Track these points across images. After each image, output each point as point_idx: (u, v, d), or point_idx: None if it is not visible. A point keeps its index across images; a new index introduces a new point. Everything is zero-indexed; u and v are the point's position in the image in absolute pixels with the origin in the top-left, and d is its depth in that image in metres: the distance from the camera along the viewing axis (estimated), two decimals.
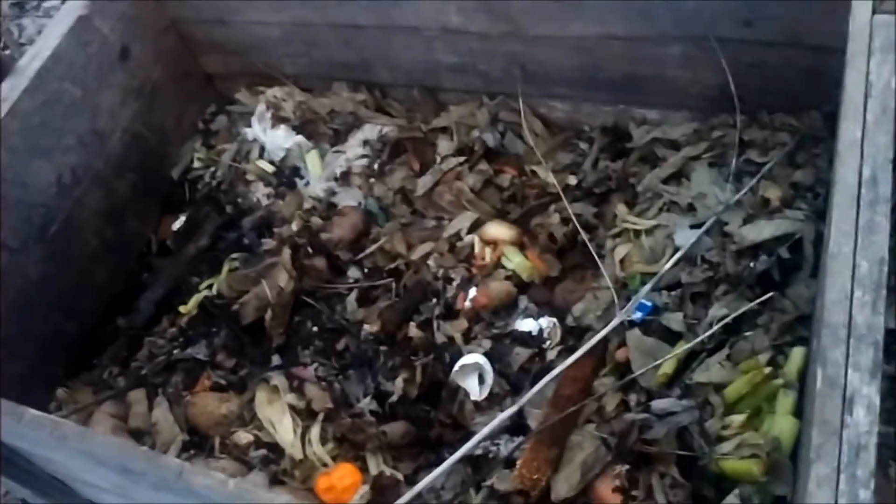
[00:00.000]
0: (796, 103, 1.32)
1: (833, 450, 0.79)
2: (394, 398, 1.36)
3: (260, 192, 1.67)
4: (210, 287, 1.53)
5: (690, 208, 1.37)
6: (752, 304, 1.19)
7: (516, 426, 1.28)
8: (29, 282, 1.47)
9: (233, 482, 0.91)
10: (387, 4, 1.49)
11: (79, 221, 1.57)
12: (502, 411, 1.24)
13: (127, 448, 1.01)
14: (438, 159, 1.58)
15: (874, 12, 1.05)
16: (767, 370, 1.16)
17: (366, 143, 1.62)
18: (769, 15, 1.23)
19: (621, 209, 1.43)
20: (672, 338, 1.27)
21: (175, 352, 1.48)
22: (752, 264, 1.23)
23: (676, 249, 1.32)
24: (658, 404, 1.21)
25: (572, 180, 1.50)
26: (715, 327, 1.20)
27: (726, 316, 1.22)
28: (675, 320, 1.27)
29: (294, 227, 1.55)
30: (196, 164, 1.75)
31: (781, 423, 1.13)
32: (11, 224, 1.43)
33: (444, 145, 1.58)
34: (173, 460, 0.99)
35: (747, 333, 1.22)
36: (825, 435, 0.80)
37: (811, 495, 0.77)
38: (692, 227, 1.33)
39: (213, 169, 1.73)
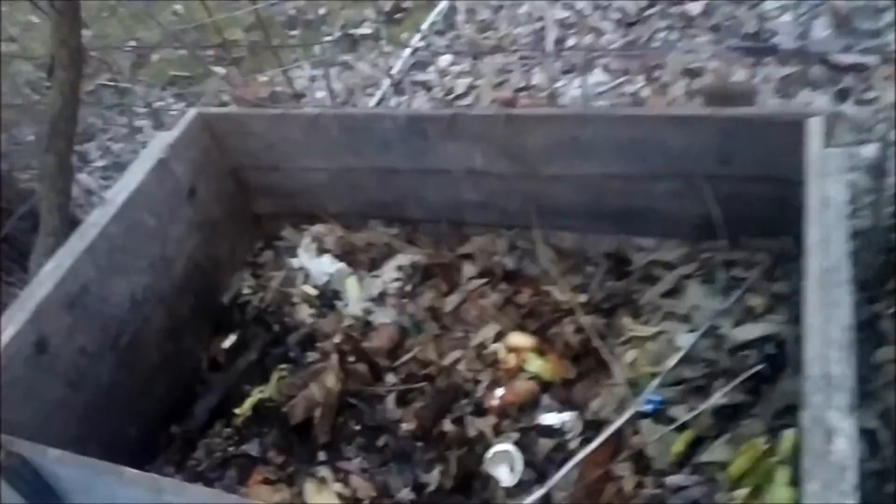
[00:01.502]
0: (771, 228, 1.57)
1: (821, 473, 0.97)
2: (431, 488, 1.51)
3: (304, 313, 1.87)
4: (262, 392, 1.70)
5: (687, 318, 1.59)
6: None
7: None
8: (101, 386, 1.64)
9: None
10: (421, 151, 1.77)
11: (145, 335, 1.76)
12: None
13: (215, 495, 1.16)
14: (464, 281, 1.81)
15: (825, 147, 1.33)
16: (765, 448, 1.34)
17: (399, 268, 1.86)
18: (743, 154, 1.51)
19: (627, 321, 1.65)
20: (679, 427, 1.45)
21: (230, 449, 1.63)
22: (747, 357, 1.45)
23: (678, 352, 1.53)
24: (672, 480, 1.38)
25: (582, 298, 1.72)
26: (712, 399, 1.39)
27: (726, 405, 1.42)
28: (679, 410, 1.46)
29: (337, 339, 1.74)
30: (245, 290, 1.96)
31: (780, 493, 1.30)
32: (91, 332, 1.62)
33: (469, 269, 1.82)
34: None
35: (745, 421, 1.42)
36: (814, 461, 0.98)
37: None
38: (690, 332, 1.56)
39: (260, 294, 1.94)
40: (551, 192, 1.74)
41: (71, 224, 1.76)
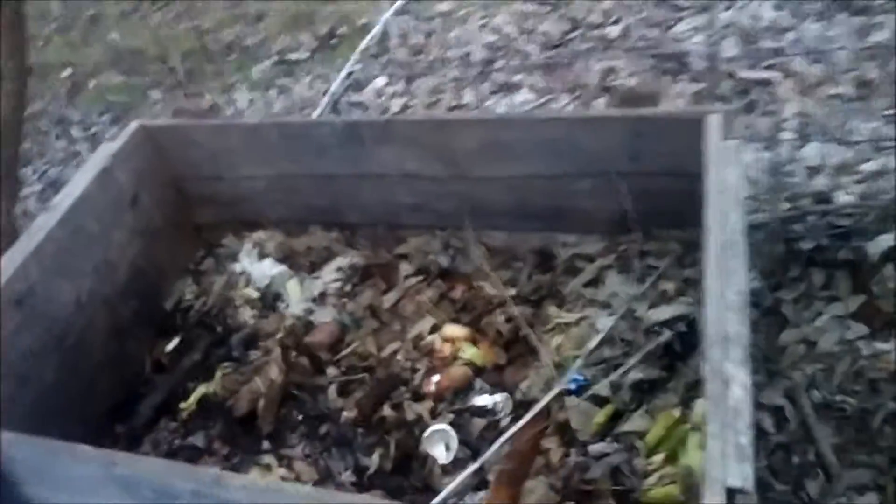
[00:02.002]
0: (681, 220, 1.71)
1: (720, 415, 1.09)
2: (371, 470, 1.59)
3: (246, 315, 1.94)
4: (207, 387, 1.76)
5: (607, 305, 1.72)
6: None
7: (479, 484, 1.53)
8: (46, 385, 1.68)
9: (265, 483, 1.14)
10: (358, 157, 1.87)
11: (89, 337, 1.80)
12: None
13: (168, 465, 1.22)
14: (401, 280, 1.91)
15: (724, 139, 1.48)
16: (678, 417, 1.47)
17: (339, 269, 1.94)
18: (651, 151, 1.65)
19: (553, 310, 1.76)
20: (601, 402, 1.57)
21: (176, 442, 1.68)
22: (660, 336, 1.57)
23: (598, 334, 1.65)
24: (594, 448, 1.49)
25: (511, 292, 1.83)
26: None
27: (643, 380, 1.55)
28: (602, 387, 1.58)
29: (279, 336, 1.81)
30: (188, 295, 2.02)
31: (692, 456, 1.41)
32: (37, 332, 1.66)
33: (405, 268, 1.92)
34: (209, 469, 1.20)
35: (660, 394, 1.54)
36: (713, 406, 1.10)
37: (709, 448, 1.07)
38: (609, 316, 1.68)
39: (203, 299, 2.00)
40: (481, 193, 1.85)
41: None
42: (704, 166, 1.42)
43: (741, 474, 1.03)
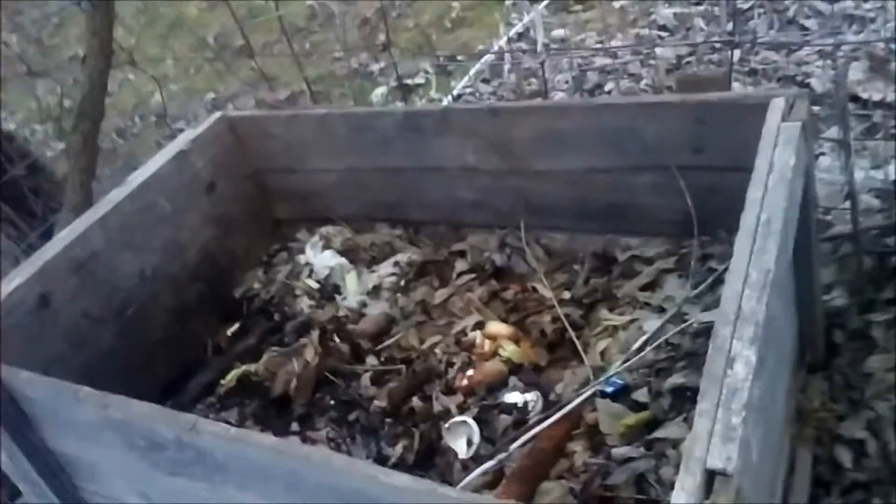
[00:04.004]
0: None
1: (715, 392, 0.96)
2: (392, 461, 1.52)
3: (304, 304, 1.95)
4: (250, 367, 1.77)
5: (660, 308, 1.58)
6: None
7: (495, 481, 1.42)
8: (101, 351, 1.74)
9: (234, 431, 1.11)
10: (418, 147, 1.85)
11: (151, 312, 1.86)
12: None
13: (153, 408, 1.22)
14: (454, 277, 1.85)
15: (783, 120, 1.33)
16: None
17: (396, 264, 1.92)
18: (715, 142, 1.52)
19: (604, 313, 1.65)
20: (639, 408, 1.43)
21: (210, 416, 1.69)
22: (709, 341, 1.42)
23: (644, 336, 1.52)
24: (618, 451, 1.36)
25: (566, 295, 1.73)
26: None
27: (685, 386, 1.40)
28: (640, 393, 1.44)
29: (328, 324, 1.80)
30: (256, 285, 2.06)
31: None
32: (96, 298, 1.74)
33: (460, 265, 1.87)
34: (188, 415, 1.19)
35: None
36: (709, 382, 0.97)
37: (696, 425, 0.94)
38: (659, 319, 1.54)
39: (268, 287, 2.03)
40: (540, 189, 1.78)
41: None
42: (759, 148, 1.29)
43: (724, 455, 0.89)
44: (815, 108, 2.50)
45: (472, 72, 3.29)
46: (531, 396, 1.53)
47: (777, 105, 1.37)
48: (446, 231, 1.96)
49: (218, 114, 2.06)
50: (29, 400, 1.36)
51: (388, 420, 1.60)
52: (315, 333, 1.72)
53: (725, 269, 1.52)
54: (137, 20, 5.14)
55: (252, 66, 4.41)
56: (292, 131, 2.01)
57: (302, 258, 2.04)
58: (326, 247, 2.04)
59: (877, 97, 2.39)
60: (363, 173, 1.99)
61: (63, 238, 1.70)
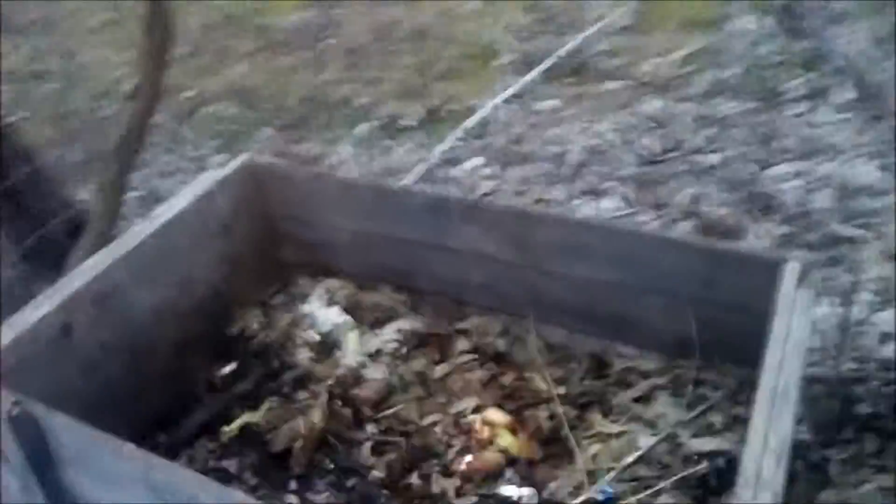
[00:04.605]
0: (742, 355, 1.71)
1: None
2: None
3: (303, 355, 2.01)
4: (251, 417, 1.82)
5: (652, 424, 1.72)
6: None
7: None
8: (107, 380, 1.76)
9: None
10: (440, 229, 1.94)
11: (157, 345, 1.89)
12: None
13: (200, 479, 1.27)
14: (455, 354, 1.95)
15: (797, 284, 1.49)
16: None
17: (399, 331, 2.00)
18: (726, 282, 1.67)
19: (597, 417, 1.78)
20: None
21: (210, 462, 1.74)
22: (698, 466, 1.57)
23: (637, 451, 1.66)
24: None
25: (561, 390, 1.86)
26: None
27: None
28: None
29: (329, 382, 1.87)
30: (254, 325, 2.11)
31: None
32: (112, 330, 1.76)
33: (462, 344, 1.97)
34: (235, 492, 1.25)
35: None
36: None
37: None
38: (652, 436, 1.68)
39: (267, 331, 2.08)
40: (550, 286, 1.90)
41: None
42: (773, 310, 1.44)
43: None
44: (782, 229, 2.72)
45: (462, 126, 3.40)
46: (526, 492, 1.64)
47: (793, 269, 1.53)
48: (449, 304, 2.06)
49: (244, 156, 2.10)
50: (61, 443, 1.39)
51: (385, 492, 1.69)
52: (324, 396, 1.79)
53: (720, 399, 1.70)
54: None
55: (236, 70, 4.43)
56: (315, 188, 2.08)
57: (305, 308, 2.10)
58: (330, 300, 2.11)
59: (843, 231, 2.61)
60: (377, 237, 2.07)
61: (88, 270, 1.73)
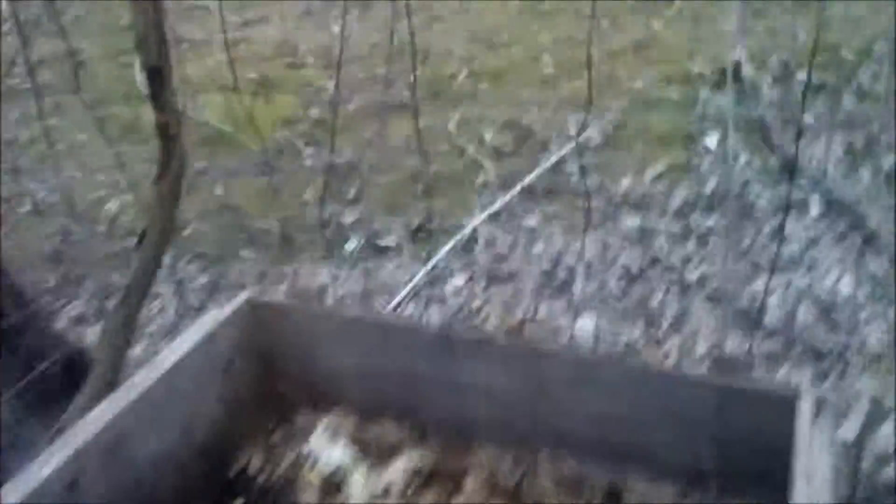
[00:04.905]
0: (758, 485, 1.73)
1: None
2: None
3: (309, 497, 1.96)
4: None
5: None
6: None
7: None
8: None
9: None
10: (446, 365, 1.95)
11: (159, 490, 1.83)
12: None
13: None
14: (468, 490, 1.92)
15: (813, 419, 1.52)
16: None
17: (407, 467, 1.97)
18: (738, 418, 1.70)
19: None
20: None
21: None
22: None
23: None
24: None
25: None
26: None
27: None
28: None
29: None
30: (254, 463, 2.06)
31: None
32: (116, 481, 1.71)
33: (473, 479, 1.94)
34: None
35: None
36: None
37: None
38: None
39: (268, 471, 2.03)
40: (560, 420, 1.90)
41: None
42: (794, 450, 1.46)
43: None
44: (767, 346, 2.78)
45: (446, 247, 3.45)
46: None
47: (806, 405, 1.56)
48: (458, 437, 2.04)
49: (244, 295, 2.10)
50: None
51: None
52: None
53: None
54: None
55: (215, 192, 4.46)
56: (317, 325, 2.08)
57: (306, 447, 2.07)
58: (331, 436, 2.07)
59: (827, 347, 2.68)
60: (380, 371, 2.06)
61: (94, 422, 1.69)
